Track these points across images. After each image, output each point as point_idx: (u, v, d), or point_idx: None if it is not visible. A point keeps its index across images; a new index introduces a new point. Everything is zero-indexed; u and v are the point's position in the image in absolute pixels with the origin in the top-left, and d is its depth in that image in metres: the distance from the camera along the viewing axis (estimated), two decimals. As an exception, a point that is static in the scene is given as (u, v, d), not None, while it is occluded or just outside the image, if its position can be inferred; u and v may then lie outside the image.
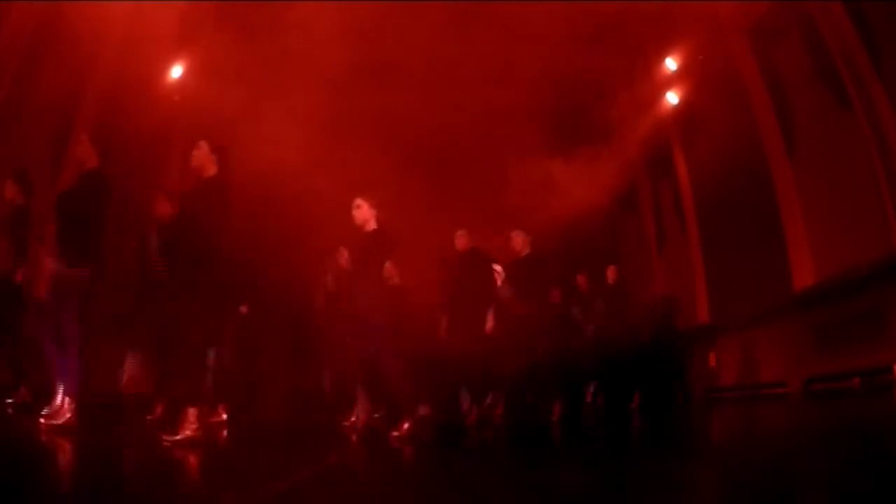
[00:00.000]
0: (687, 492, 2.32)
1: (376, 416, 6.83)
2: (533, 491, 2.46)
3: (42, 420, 4.31)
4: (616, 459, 3.57)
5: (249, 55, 7.56)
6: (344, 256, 7.07)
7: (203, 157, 4.33)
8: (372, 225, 5.25)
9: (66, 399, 4.31)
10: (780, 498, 2.02)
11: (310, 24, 7.48)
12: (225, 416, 5.68)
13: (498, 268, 7.93)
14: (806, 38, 7.58)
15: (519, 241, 7.20)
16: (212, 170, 4.31)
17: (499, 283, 7.85)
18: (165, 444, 3.81)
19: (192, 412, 3.90)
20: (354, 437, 5.54)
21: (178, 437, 3.84)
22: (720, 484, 2.48)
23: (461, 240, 7.00)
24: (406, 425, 4.96)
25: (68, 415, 4.26)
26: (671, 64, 9.50)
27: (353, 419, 6.33)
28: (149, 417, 5.61)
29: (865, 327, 6.40)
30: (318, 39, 7.44)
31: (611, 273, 8.76)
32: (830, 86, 7.22)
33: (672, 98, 9.73)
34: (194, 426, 3.88)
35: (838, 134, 7.22)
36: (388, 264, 5.70)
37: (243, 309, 6.36)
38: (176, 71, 9.00)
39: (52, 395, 4.45)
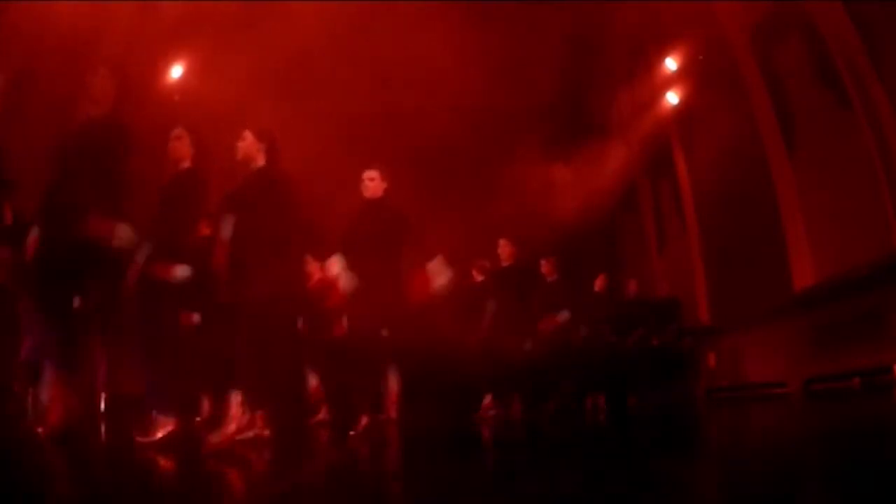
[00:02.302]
0: (686, 492, 2.32)
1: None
2: (531, 490, 2.45)
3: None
4: (616, 459, 3.56)
5: (249, 55, 7.56)
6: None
7: (249, 148, 4.08)
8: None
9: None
10: (780, 498, 2.02)
11: (310, 25, 7.48)
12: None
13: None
14: (806, 38, 7.58)
15: (505, 251, 7.27)
16: (260, 160, 4.09)
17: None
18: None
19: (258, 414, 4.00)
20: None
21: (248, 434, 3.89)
22: (720, 484, 2.47)
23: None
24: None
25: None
26: (671, 64, 9.51)
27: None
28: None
29: (865, 327, 6.39)
30: (318, 40, 7.45)
31: (599, 281, 8.71)
32: (830, 86, 7.22)
33: (672, 98, 9.74)
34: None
35: (838, 134, 7.22)
36: None
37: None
38: (176, 71, 9.00)
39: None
